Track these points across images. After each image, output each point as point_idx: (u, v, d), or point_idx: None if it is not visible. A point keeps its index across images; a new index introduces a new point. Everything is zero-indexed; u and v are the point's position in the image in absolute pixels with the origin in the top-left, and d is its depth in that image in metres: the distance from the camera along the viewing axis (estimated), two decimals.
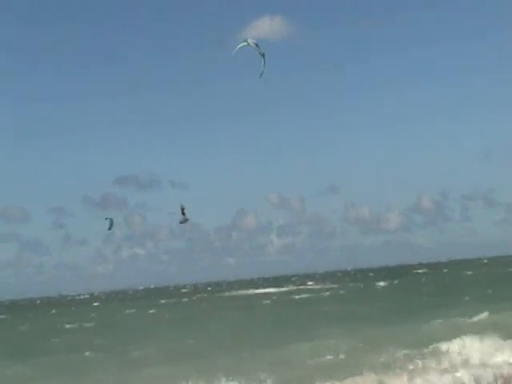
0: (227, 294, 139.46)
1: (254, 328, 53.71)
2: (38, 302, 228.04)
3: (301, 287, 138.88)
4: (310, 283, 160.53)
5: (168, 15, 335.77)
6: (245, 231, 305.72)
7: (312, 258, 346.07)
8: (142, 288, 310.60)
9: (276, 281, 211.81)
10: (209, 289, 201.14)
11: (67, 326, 79.34)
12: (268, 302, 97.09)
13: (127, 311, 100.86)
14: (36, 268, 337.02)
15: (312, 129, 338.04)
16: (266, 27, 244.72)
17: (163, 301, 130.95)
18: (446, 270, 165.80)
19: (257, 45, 23.81)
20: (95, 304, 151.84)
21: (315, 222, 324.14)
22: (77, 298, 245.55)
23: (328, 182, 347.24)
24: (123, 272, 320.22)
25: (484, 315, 45.90)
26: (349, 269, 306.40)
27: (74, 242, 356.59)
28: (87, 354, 45.45)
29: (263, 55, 23.72)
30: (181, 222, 26.68)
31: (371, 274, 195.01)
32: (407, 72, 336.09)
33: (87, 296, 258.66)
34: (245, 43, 23.98)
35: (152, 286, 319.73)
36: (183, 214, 26.56)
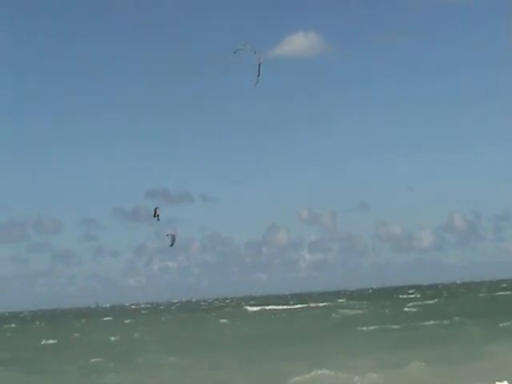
0: (256, 309, 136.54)
1: (271, 350, 50.72)
2: (70, 314, 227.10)
3: (331, 304, 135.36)
4: (340, 300, 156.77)
5: (197, 31, 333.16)
6: (276, 247, 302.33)
7: (343, 274, 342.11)
8: (176, 301, 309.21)
9: (306, 297, 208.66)
10: (242, 303, 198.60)
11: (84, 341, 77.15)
12: (295, 318, 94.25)
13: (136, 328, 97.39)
14: (68, 279, 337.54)
15: (341, 144, 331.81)
16: (299, 43, 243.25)
17: (187, 314, 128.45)
18: (484, 290, 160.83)
19: (255, 52, 23.97)
20: (126, 319, 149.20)
21: (346, 238, 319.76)
22: (109, 310, 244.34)
23: (358, 199, 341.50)
24: (154, 284, 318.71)
25: None
26: (374, 286, 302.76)
27: (106, 253, 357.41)
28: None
29: (259, 65, 23.86)
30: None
31: (409, 292, 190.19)
32: (442, 92, 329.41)
33: (119, 308, 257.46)
34: (242, 47, 24.16)
35: (184, 299, 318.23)
36: (155, 215, 26.56)
